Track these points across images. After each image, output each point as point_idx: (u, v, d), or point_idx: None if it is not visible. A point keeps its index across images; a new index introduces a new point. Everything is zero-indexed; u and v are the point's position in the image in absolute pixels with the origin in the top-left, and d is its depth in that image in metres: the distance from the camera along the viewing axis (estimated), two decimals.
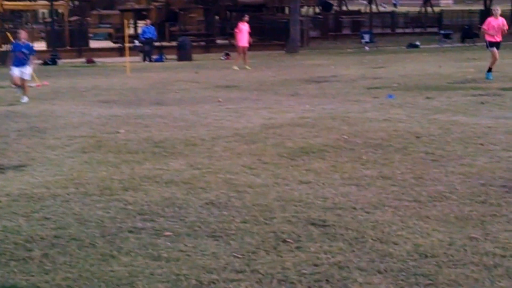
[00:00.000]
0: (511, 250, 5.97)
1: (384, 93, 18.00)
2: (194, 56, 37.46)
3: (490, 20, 21.46)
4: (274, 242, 6.33)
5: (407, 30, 60.35)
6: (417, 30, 59.91)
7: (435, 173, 8.93)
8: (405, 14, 65.86)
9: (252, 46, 31.27)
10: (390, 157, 9.92)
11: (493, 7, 22.15)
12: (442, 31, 49.41)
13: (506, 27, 21.28)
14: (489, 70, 21.22)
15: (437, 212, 7.19)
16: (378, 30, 57.55)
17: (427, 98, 16.80)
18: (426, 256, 5.87)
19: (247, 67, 29.40)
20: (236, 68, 29.10)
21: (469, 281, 5.33)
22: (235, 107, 15.83)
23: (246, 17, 31.40)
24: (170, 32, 45.03)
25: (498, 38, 21.21)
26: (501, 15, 21.88)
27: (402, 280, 5.37)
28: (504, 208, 7.30)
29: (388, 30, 60.29)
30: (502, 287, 5.20)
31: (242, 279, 5.44)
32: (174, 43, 40.09)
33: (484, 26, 21.55)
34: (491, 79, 20.68)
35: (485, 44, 22.01)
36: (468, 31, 47.86)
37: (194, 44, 41.10)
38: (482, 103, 15.65)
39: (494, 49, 20.99)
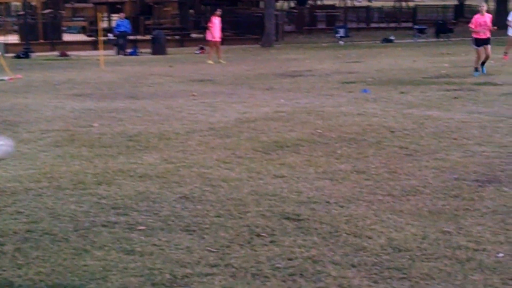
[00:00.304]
0: (484, 244, 6.01)
1: (359, 88, 18.05)
2: (169, 50, 37.31)
3: (477, 17, 21.24)
4: (248, 236, 6.32)
5: (381, 25, 60.43)
6: (392, 25, 59.98)
7: (409, 167, 8.97)
8: (380, 9, 66.03)
9: (227, 40, 31.21)
10: (364, 152, 9.95)
11: (480, 5, 21.72)
12: (416, 26, 49.49)
13: (490, 24, 21.07)
14: (476, 69, 21.03)
15: (411, 206, 7.22)
16: (353, 25, 57.60)
17: (402, 92, 16.87)
18: (400, 250, 5.90)
19: (222, 61, 29.36)
20: (210, 62, 29.03)
21: (442, 274, 5.35)
22: (210, 101, 15.80)
23: (219, 11, 31.30)
24: (145, 26, 44.82)
25: (485, 35, 20.92)
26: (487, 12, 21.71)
27: (375, 273, 5.39)
28: (477, 202, 7.35)
29: (363, 25, 60.34)
30: (475, 280, 5.23)
31: (216, 273, 5.43)
32: (148, 37, 39.91)
33: (471, 25, 21.26)
34: (484, 72, 20.71)
35: (471, 41, 21.64)
36: (442, 26, 48.02)
37: (169, 38, 40.92)
38: (456, 98, 15.74)
39: (479, 49, 20.80)
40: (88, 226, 6.68)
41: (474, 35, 21.10)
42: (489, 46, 20.92)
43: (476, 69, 20.98)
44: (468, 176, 8.47)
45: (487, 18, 21.04)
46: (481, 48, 20.84)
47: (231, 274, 5.42)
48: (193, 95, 17.14)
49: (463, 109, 14.01)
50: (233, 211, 7.11)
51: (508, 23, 26.41)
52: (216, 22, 30.38)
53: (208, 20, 32.26)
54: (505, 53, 26.52)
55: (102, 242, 6.21)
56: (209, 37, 30.78)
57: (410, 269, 5.46)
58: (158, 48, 36.60)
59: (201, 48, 37.05)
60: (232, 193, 7.79)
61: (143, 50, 37.25)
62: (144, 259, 5.76)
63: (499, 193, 7.69)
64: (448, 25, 49.60)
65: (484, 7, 21.41)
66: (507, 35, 26.46)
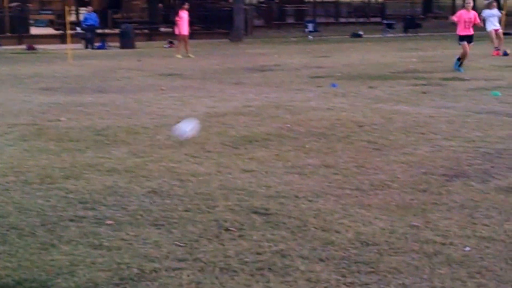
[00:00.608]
0: (451, 238, 6.04)
1: (328, 82, 18.10)
2: (137, 44, 37.17)
3: (462, 12, 20.67)
4: (216, 230, 6.31)
5: (350, 20, 60.63)
6: (361, 19, 60.23)
7: (377, 161, 9.00)
8: (349, 4, 66.17)
9: (196, 35, 31.18)
10: (333, 146, 9.97)
11: (467, 1, 20.79)
12: (385, 21, 49.76)
13: (477, 21, 20.71)
14: (459, 59, 20.64)
15: (379, 201, 7.24)
16: (322, 19, 57.67)
17: (370, 87, 16.93)
18: (368, 244, 5.91)
19: (190, 55, 29.30)
20: (179, 56, 28.96)
21: (410, 268, 5.37)
22: (179, 96, 15.76)
23: (186, 5, 31.18)
24: (113, 19, 44.59)
25: (469, 32, 20.43)
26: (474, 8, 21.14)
27: (343, 268, 5.39)
28: (444, 196, 7.39)
29: (332, 20, 60.49)
30: (442, 274, 5.26)
31: (184, 268, 5.41)
32: (116, 31, 39.71)
33: (455, 18, 20.75)
34: (462, 71, 20.11)
35: (457, 39, 20.97)
36: (410, 21, 48.31)
37: (137, 31, 40.76)
38: (424, 92, 15.84)
39: (465, 43, 20.31)
40: (56, 220, 6.63)
41: (460, 31, 20.51)
42: (470, 45, 20.44)
43: (460, 61, 20.58)
44: (436, 170, 8.51)
45: (472, 14, 20.48)
46: (466, 43, 20.30)
47: (199, 269, 5.40)
48: (162, 89, 17.09)
49: (431, 104, 14.09)
50: (202, 205, 7.09)
51: (483, 19, 26.91)
52: (184, 16, 30.32)
53: (176, 14, 32.17)
54: (496, 48, 26.97)
55: (69, 236, 6.16)
56: (177, 31, 30.71)
57: (378, 263, 5.48)
58: (126, 42, 36.46)
59: (170, 42, 36.94)
60: (201, 188, 7.77)
61: (111, 44, 37.08)
62: (112, 253, 5.73)
63: (466, 187, 7.74)
64: (417, 20, 49.93)
65: (471, 3, 20.81)
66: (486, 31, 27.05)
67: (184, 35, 30.17)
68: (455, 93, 15.74)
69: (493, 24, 27.03)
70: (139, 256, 5.67)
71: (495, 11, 27.50)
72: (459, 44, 20.70)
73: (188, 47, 30.08)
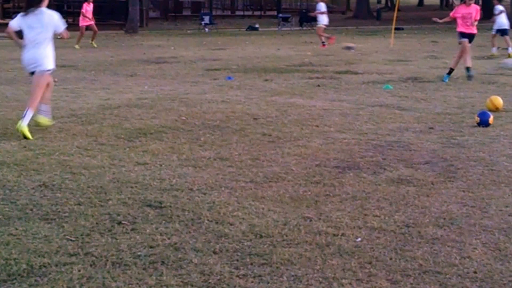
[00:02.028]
0: (343, 229, 6.11)
1: (223, 75, 18.13)
2: None
3: (460, 8, 17.19)
4: (109, 224, 6.22)
5: (247, 13, 61.00)
6: (257, 13, 60.62)
7: (272, 154, 9.05)
8: None
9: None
10: (227, 139, 9.97)
11: None
12: (280, 15, 50.20)
13: (477, 17, 17.01)
14: (469, 66, 17.28)
15: (273, 193, 7.27)
16: (218, 12, 57.88)
17: (265, 80, 17.03)
18: (261, 236, 5.92)
19: (94, 45, 29.34)
20: (77, 47, 28.58)
21: (302, 259, 5.41)
22: (72, 87, 15.51)
23: None
24: (4, 9, 43.56)
25: (470, 30, 17.11)
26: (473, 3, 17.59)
27: (237, 260, 5.39)
28: (337, 188, 7.48)
29: (228, 12, 60.69)
30: (334, 265, 5.31)
31: (75, 262, 5.31)
32: (7, 21, 38.82)
33: (451, 14, 17.48)
34: (470, 76, 17.24)
35: (457, 35, 17.47)
36: (305, 15, 48.83)
37: None
38: (319, 85, 16.03)
39: (465, 41, 17.04)
40: None
41: (458, 29, 17.19)
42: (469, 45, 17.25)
43: (468, 69, 17.23)
44: (329, 162, 8.61)
45: (473, 9, 17.02)
46: (466, 40, 17.03)
47: (91, 263, 5.31)
48: (55, 81, 16.73)
49: (325, 97, 14.27)
50: (94, 199, 6.98)
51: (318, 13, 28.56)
52: (89, 9, 30.13)
53: (72, 5, 31.71)
54: (323, 43, 28.05)
55: None
56: (82, 22, 30.45)
57: (271, 254, 5.49)
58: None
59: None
60: (93, 181, 7.65)
61: (1, 35, 36.16)
62: (0, 249, 5.57)
63: (358, 179, 7.86)
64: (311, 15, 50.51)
65: None
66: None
67: (87, 26, 30.03)
68: (349, 86, 15.99)
69: (322, 18, 28.68)
70: (28, 251, 5.53)
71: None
72: (458, 40, 17.45)
73: (95, 36, 30.20)
